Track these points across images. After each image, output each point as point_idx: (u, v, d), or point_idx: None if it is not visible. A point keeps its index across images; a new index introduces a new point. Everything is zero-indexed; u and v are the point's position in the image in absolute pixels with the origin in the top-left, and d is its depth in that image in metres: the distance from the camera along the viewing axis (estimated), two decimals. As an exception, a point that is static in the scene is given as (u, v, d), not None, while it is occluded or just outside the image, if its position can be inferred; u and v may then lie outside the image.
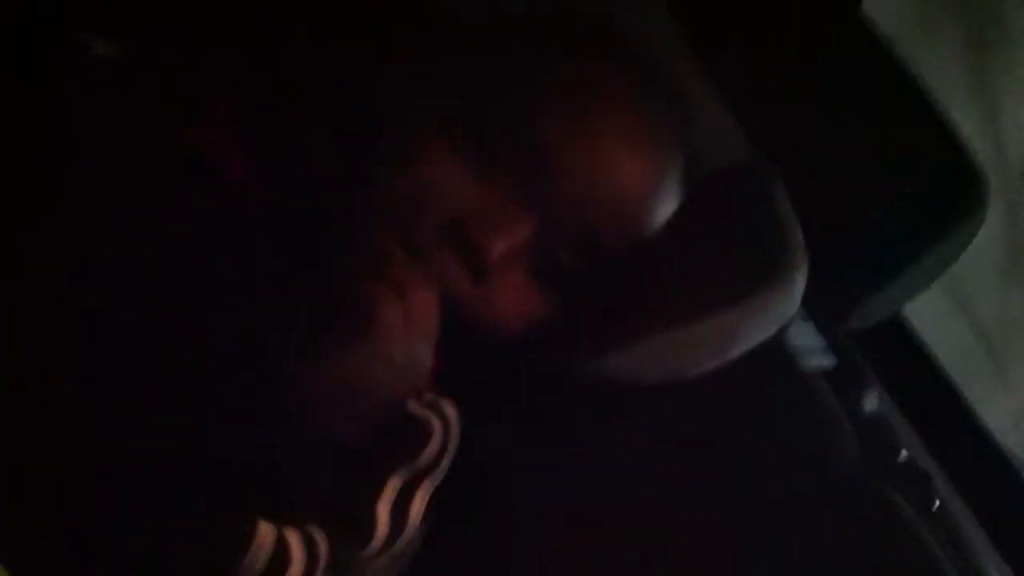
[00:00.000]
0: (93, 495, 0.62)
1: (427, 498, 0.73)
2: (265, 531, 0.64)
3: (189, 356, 0.64)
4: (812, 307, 0.88)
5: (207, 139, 0.72)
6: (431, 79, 0.72)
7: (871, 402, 0.96)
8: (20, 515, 0.60)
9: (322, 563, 0.67)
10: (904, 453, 0.96)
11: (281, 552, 0.64)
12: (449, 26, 0.75)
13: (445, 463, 0.75)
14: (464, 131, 0.70)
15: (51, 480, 0.61)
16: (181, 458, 0.63)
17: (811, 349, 0.93)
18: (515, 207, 0.68)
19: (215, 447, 0.64)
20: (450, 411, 0.76)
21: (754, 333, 0.80)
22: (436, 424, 0.75)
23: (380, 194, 0.69)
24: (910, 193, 0.94)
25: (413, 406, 0.74)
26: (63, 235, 0.65)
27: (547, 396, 0.77)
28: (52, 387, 0.62)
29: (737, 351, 0.80)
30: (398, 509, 0.71)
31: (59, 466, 0.61)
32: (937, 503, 0.93)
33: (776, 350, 0.85)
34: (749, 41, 1.00)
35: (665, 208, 0.73)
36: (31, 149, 0.66)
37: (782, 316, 0.82)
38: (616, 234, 0.71)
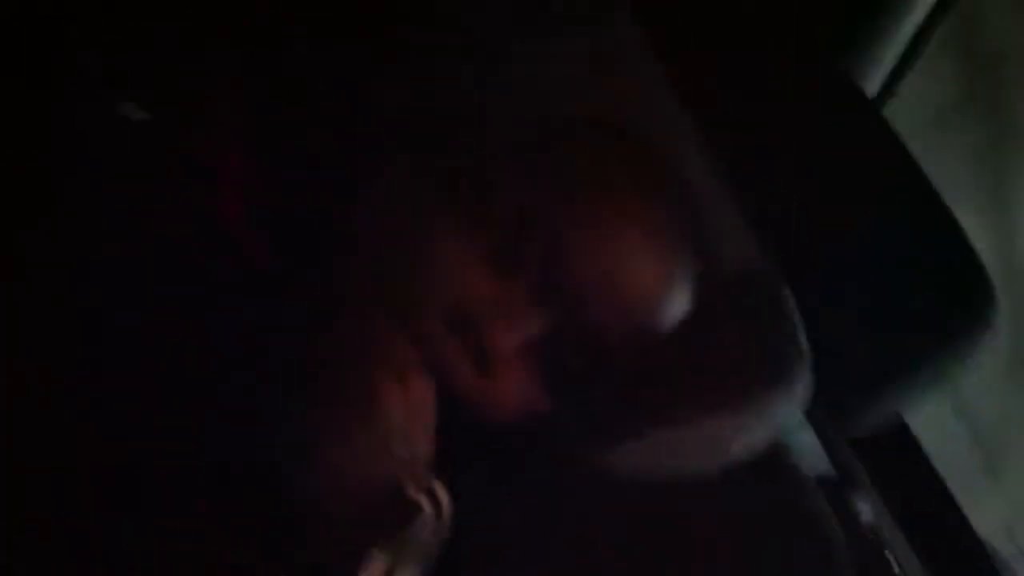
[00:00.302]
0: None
1: None
2: None
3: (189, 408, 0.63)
4: (812, 412, 0.87)
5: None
6: (440, 159, 0.72)
7: (866, 512, 0.95)
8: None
9: None
10: (897, 566, 0.94)
11: None
12: (464, 114, 0.75)
13: (433, 546, 0.74)
14: (475, 219, 0.69)
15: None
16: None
17: (809, 454, 0.91)
18: (527, 302, 0.68)
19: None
20: (443, 494, 0.75)
21: (754, 436, 0.79)
22: (427, 506, 0.73)
23: (387, 275, 0.69)
24: (917, 302, 0.94)
25: (407, 487, 0.73)
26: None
27: (542, 478, 0.76)
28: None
29: (736, 453, 0.79)
30: None
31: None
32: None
33: (773, 454, 0.83)
34: (766, 140, 1.00)
35: (674, 312, 0.73)
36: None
37: (783, 422, 0.81)
38: (624, 336, 0.70)
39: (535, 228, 0.69)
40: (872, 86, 1.21)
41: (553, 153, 0.74)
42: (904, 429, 1.18)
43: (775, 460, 0.86)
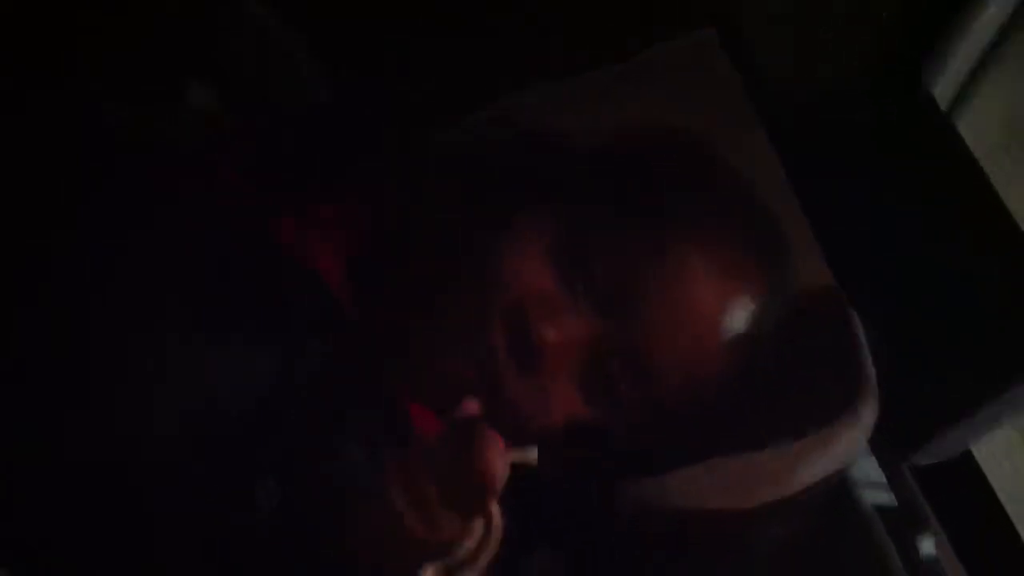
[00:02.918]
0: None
1: None
2: None
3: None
4: (878, 441, 0.84)
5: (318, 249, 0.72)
6: (535, 193, 0.72)
7: (928, 546, 0.92)
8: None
9: None
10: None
11: None
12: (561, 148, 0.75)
13: (483, 561, 0.73)
14: (546, 217, 0.69)
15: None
16: None
17: (872, 484, 0.89)
18: (580, 306, 0.67)
19: None
20: (494, 508, 0.74)
21: (817, 467, 0.77)
22: (477, 520, 0.73)
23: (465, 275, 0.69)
24: (991, 330, 0.92)
25: None
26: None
27: (603, 520, 0.75)
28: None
29: (799, 483, 0.77)
30: None
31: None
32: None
33: (835, 484, 0.81)
34: (836, 159, 0.98)
35: (736, 338, 0.71)
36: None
37: (848, 452, 0.79)
38: (673, 361, 0.69)
39: (602, 233, 0.68)
40: (946, 99, 1.17)
41: (630, 162, 0.74)
42: (969, 458, 1.15)
43: (837, 490, 0.84)
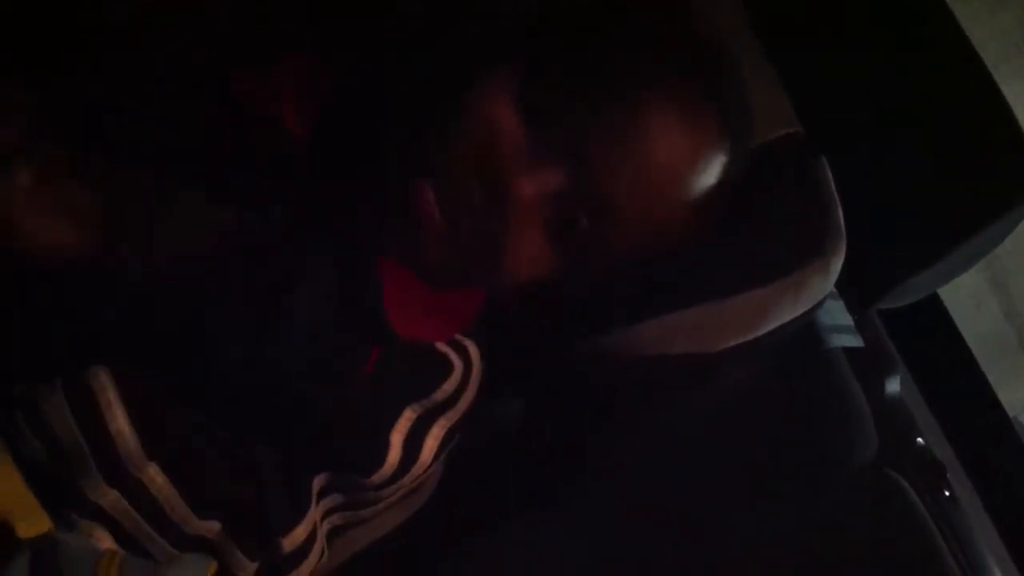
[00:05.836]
0: None
1: (442, 435, 0.73)
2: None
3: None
4: (846, 285, 0.86)
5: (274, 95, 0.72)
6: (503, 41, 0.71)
7: (893, 386, 0.95)
8: None
9: None
10: (920, 441, 0.95)
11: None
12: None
13: (463, 403, 0.75)
14: (525, 81, 0.69)
15: None
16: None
17: (840, 327, 0.91)
18: (550, 153, 0.68)
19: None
20: (473, 352, 0.76)
21: (785, 311, 0.79)
22: (457, 362, 0.75)
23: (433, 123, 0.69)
24: (958, 175, 0.92)
25: (438, 344, 0.74)
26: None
27: (579, 372, 0.76)
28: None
29: (766, 328, 0.79)
30: (412, 441, 0.72)
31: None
32: (947, 494, 0.92)
33: (803, 326, 0.83)
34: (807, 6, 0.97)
35: (702, 187, 0.71)
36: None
37: (815, 296, 0.80)
38: (635, 209, 0.70)
39: (569, 84, 0.68)
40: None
41: (595, 17, 0.73)
42: (936, 302, 1.18)
43: (803, 332, 0.85)
